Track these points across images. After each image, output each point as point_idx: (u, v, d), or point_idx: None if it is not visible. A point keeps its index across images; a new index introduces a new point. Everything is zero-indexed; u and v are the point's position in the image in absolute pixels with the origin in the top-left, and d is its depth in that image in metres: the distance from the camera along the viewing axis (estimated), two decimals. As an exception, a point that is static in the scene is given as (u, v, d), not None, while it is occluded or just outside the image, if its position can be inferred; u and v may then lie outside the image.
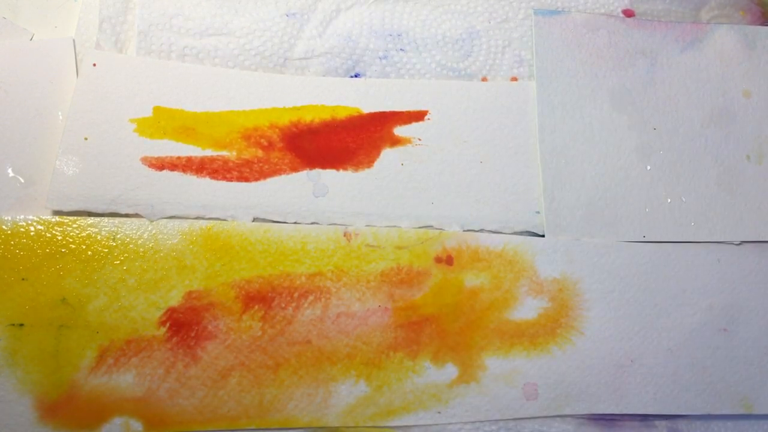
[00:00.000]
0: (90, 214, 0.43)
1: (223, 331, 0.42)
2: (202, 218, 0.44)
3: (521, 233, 0.47)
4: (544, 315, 0.45)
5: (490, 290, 0.45)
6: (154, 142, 0.45)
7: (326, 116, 0.47)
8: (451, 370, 0.43)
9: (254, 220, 0.44)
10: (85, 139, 0.44)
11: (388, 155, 0.47)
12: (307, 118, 0.47)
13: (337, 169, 0.46)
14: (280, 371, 0.42)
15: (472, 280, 0.45)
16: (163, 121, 0.45)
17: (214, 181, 0.45)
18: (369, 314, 0.44)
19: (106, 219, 0.43)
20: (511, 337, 0.44)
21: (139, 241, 0.43)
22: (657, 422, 0.45)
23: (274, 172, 0.45)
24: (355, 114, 0.47)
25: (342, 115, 0.47)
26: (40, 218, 0.43)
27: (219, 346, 0.42)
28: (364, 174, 0.46)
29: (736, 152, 0.50)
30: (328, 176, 0.46)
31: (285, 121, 0.46)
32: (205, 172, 0.45)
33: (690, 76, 0.51)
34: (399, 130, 0.47)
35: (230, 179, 0.45)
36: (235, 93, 0.47)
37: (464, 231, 0.46)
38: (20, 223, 0.42)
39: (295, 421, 0.42)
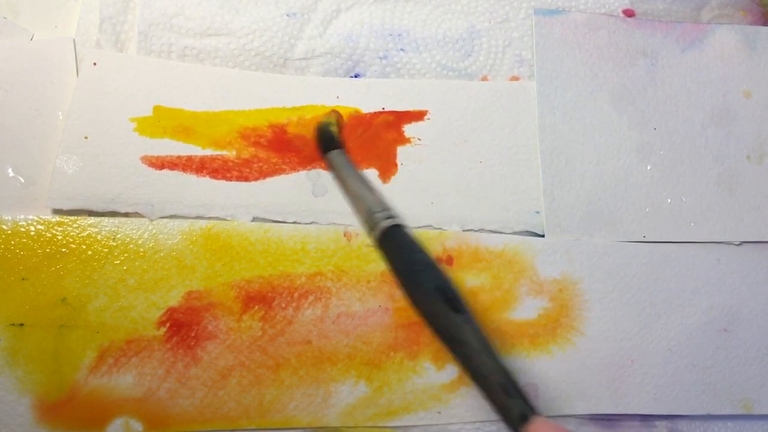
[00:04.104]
0: (90, 213, 0.43)
1: (223, 331, 0.42)
2: (202, 218, 0.44)
3: (521, 233, 0.47)
4: (544, 315, 0.45)
5: (490, 290, 0.45)
6: (154, 141, 0.45)
7: (326, 116, 0.47)
8: (451, 371, 0.43)
9: (254, 219, 0.44)
10: (86, 138, 0.44)
11: (388, 155, 0.47)
12: (308, 117, 0.47)
13: (338, 169, 0.46)
14: (280, 371, 0.42)
15: (472, 280, 0.45)
16: (164, 121, 0.45)
17: (213, 181, 0.45)
18: (369, 314, 0.44)
19: (106, 219, 0.43)
20: (511, 337, 0.44)
21: (139, 241, 0.43)
22: (657, 422, 0.45)
23: (274, 171, 0.45)
24: (355, 114, 0.47)
25: (343, 115, 0.47)
26: (40, 218, 0.43)
27: (219, 346, 0.42)
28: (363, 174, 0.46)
29: (737, 152, 0.50)
30: (327, 176, 0.46)
31: (285, 120, 0.46)
32: (205, 171, 0.45)
33: (690, 76, 0.51)
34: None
35: (230, 179, 0.45)
36: (235, 93, 0.47)
37: (464, 231, 0.46)
38: (20, 223, 0.42)
39: (296, 421, 0.42)
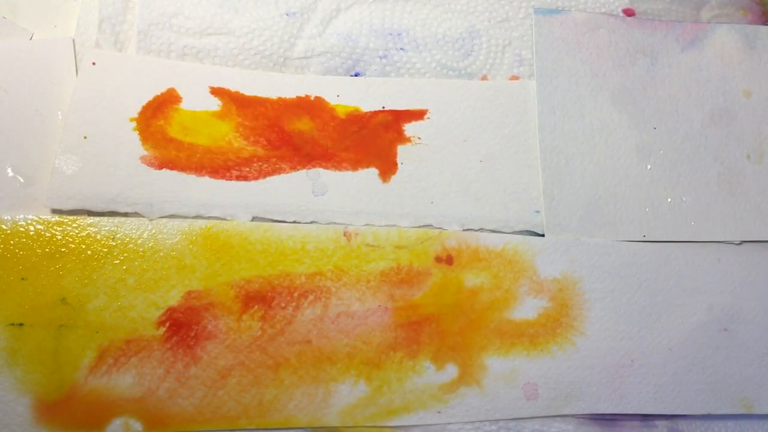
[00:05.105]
0: (89, 213, 0.43)
1: (222, 331, 0.42)
2: (202, 217, 0.44)
3: (521, 233, 0.47)
4: (545, 315, 0.45)
5: (490, 290, 0.45)
6: (154, 140, 0.45)
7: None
8: (451, 370, 0.43)
9: (253, 219, 0.44)
10: (85, 138, 0.44)
11: (388, 155, 0.47)
12: (307, 117, 0.47)
13: (337, 168, 0.46)
14: (280, 371, 0.42)
15: (472, 279, 0.45)
16: (163, 120, 0.45)
17: (213, 180, 0.45)
18: (369, 314, 0.44)
19: (105, 218, 0.43)
20: (511, 336, 0.44)
21: (139, 241, 0.43)
22: (657, 422, 0.45)
23: (274, 171, 0.45)
24: (355, 113, 0.47)
25: (342, 114, 0.47)
26: (40, 218, 0.43)
27: (219, 346, 0.42)
28: (363, 173, 0.46)
29: (737, 152, 0.50)
30: (327, 175, 0.46)
31: (285, 120, 0.46)
32: (204, 170, 0.45)
33: (690, 76, 0.51)
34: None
35: (229, 178, 0.45)
36: (234, 92, 0.47)
37: (464, 230, 0.46)
38: (20, 223, 0.42)
39: (295, 421, 0.42)
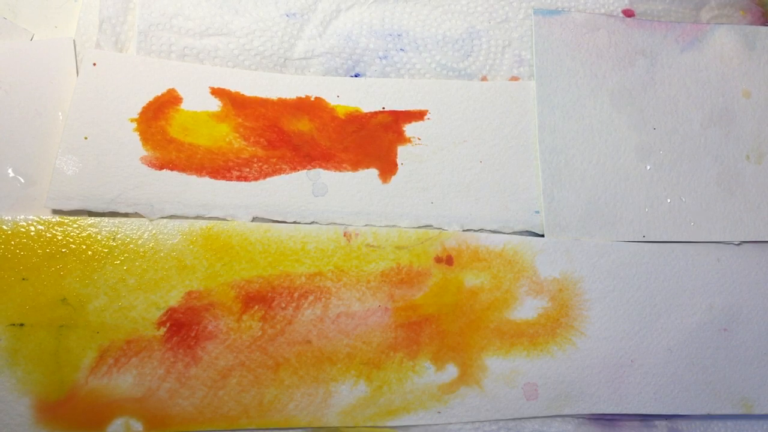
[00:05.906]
0: (90, 213, 0.43)
1: (223, 331, 0.42)
2: (202, 217, 0.44)
3: (521, 233, 0.47)
4: (544, 315, 0.45)
5: (490, 290, 0.45)
6: (154, 141, 0.45)
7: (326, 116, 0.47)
8: (451, 370, 0.43)
9: (254, 219, 0.44)
10: (85, 138, 0.44)
11: (388, 155, 0.47)
12: (307, 117, 0.47)
13: (337, 169, 0.46)
14: (280, 371, 0.42)
15: (472, 280, 0.45)
16: (163, 121, 0.45)
17: (213, 181, 0.45)
18: (369, 314, 0.44)
19: (106, 219, 0.43)
20: (511, 337, 0.44)
21: (139, 241, 0.43)
22: (657, 422, 0.45)
23: (274, 171, 0.45)
24: (355, 113, 0.47)
25: (342, 114, 0.47)
26: (40, 218, 0.43)
27: (219, 346, 0.42)
28: (363, 174, 0.46)
29: (736, 152, 0.50)
30: (327, 176, 0.46)
31: (285, 120, 0.46)
32: (204, 171, 0.45)
33: (690, 76, 0.51)
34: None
35: (230, 178, 0.45)
36: (235, 93, 0.47)
37: (464, 231, 0.46)
38: (20, 223, 0.42)
39: (295, 421, 0.42)
